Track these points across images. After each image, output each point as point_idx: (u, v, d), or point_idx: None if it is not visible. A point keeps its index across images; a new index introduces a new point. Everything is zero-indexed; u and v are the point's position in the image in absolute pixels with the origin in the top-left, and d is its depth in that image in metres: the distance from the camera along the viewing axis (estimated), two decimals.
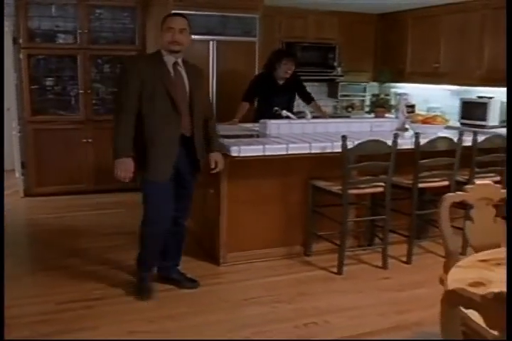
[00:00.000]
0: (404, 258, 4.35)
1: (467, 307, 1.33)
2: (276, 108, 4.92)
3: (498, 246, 2.42)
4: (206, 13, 6.06)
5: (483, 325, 1.30)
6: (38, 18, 5.99)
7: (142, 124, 3.32)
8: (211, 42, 6.13)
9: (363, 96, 7.83)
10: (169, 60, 3.40)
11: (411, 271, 4.18)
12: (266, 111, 5.08)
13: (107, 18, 6.27)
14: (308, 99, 5.71)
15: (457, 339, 1.39)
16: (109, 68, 6.40)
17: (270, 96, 5.37)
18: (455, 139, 4.27)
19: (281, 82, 5.45)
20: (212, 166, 3.62)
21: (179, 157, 3.42)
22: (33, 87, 6.04)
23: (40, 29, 6.03)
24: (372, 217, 4.47)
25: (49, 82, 6.18)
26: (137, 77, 3.28)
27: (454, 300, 1.35)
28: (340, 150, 3.87)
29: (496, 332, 1.26)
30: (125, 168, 3.31)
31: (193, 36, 6.13)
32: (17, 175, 6.33)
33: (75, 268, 4.09)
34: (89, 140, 6.25)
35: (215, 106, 6.17)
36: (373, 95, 7.50)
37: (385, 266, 4.20)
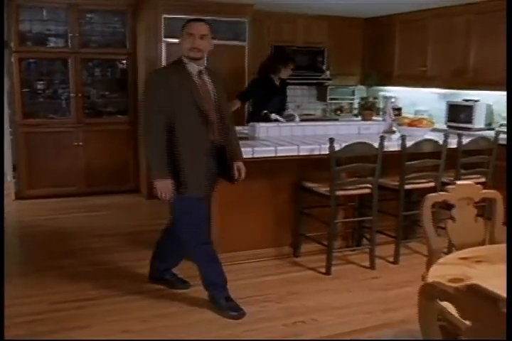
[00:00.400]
0: (391, 259, 4.43)
1: (442, 300, 1.41)
2: (265, 111, 5.02)
3: (479, 244, 2.50)
4: (196, 17, 6.11)
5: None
6: (29, 22, 6.05)
7: (173, 138, 3.22)
8: None
9: (352, 99, 7.92)
10: (193, 68, 3.30)
11: (398, 270, 4.26)
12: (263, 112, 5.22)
13: (98, 22, 6.33)
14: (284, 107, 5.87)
15: (434, 331, 1.47)
16: (100, 72, 6.46)
17: (269, 98, 5.54)
18: (440, 141, 4.36)
19: (277, 83, 5.65)
20: (237, 176, 3.53)
21: (214, 168, 3.38)
22: (24, 90, 6.09)
23: (32, 33, 6.08)
24: (359, 218, 4.55)
25: (40, 85, 6.23)
26: (164, 92, 3.18)
27: (430, 292, 1.43)
28: (327, 152, 3.95)
29: (468, 322, 1.34)
30: (166, 188, 3.23)
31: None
32: (8, 178, 6.36)
33: (67, 269, 4.15)
34: (80, 143, 6.30)
35: None
36: (362, 98, 7.60)
37: (372, 266, 4.28)
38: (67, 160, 6.29)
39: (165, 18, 6.03)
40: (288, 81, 5.90)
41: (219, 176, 3.48)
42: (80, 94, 6.25)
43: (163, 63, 6.09)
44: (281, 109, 5.55)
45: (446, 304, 1.46)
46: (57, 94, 6.31)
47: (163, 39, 6.06)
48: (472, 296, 1.27)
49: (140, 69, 6.29)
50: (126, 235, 5.01)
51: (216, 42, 6.09)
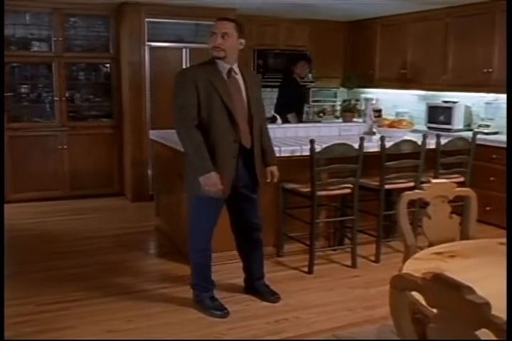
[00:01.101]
0: (373, 258, 4.51)
1: (411, 290, 1.48)
2: None
3: (453, 240, 2.59)
4: (179, 21, 6.21)
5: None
6: (13, 26, 6.07)
7: (204, 136, 3.22)
8: (184, 50, 6.27)
9: (334, 101, 8.02)
10: (223, 67, 3.27)
11: (379, 269, 4.33)
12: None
13: (82, 26, 6.37)
14: None
15: (404, 320, 1.55)
16: (83, 75, 6.51)
17: (295, 96, 6.50)
18: (419, 142, 4.45)
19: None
20: (269, 179, 3.57)
21: (239, 171, 3.34)
22: (8, 94, 6.10)
23: (15, 37, 6.10)
24: (341, 218, 4.63)
25: (24, 89, 6.26)
26: (193, 89, 3.18)
27: (400, 283, 1.50)
28: (308, 153, 4.02)
29: (435, 310, 1.42)
30: (212, 182, 3.18)
31: (165, 44, 6.32)
32: None
33: (53, 271, 4.19)
34: (65, 146, 6.33)
35: None
36: (344, 100, 7.69)
37: (354, 265, 4.35)
38: (51, 163, 6.32)
39: (148, 22, 6.09)
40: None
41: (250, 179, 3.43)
42: (64, 98, 6.29)
43: (147, 67, 6.16)
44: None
45: (418, 297, 1.53)
46: (42, 98, 6.34)
47: (147, 43, 6.13)
48: (438, 285, 1.35)
49: (124, 73, 6.33)
50: (112, 237, 5.05)
51: (199, 45, 6.26)
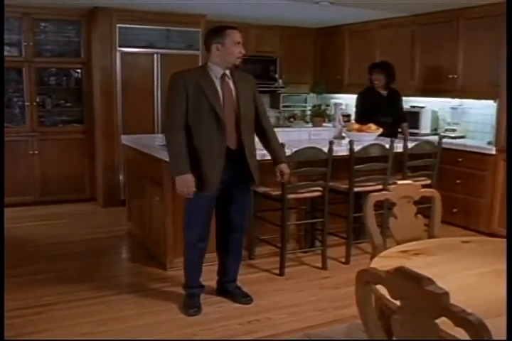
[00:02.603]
0: (343, 259, 4.59)
1: (375, 283, 1.55)
2: None
3: (419, 239, 2.68)
4: (150, 27, 6.24)
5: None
6: None
7: (191, 136, 3.37)
8: (155, 56, 6.31)
9: (305, 106, 8.11)
10: (218, 72, 3.40)
11: (349, 270, 4.39)
12: (370, 118, 5.40)
13: (52, 31, 6.35)
14: (398, 119, 5.92)
15: (369, 311, 1.62)
16: (54, 80, 6.48)
17: (374, 107, 5.73)
18: (387, 146, 4.55)
19: (384, 93, 5.84)
20: (279, 178, 3.69)
21: (226, 171, 3.43)
22: None
23: None
24: (311, 220, 4.70)
25: None
26: (182, 92, 3.33)
27: (365, 277, 1.57)
28: None
29: (398, 302, 1.49)
30: (186, 184, 3.33)
31: (137, 49, 6.36)
32: None
33: (25, 276, 4.17)
34: (36, 151, 6.30)
35: (160, 118, 6.35)
36: (314, 106, 7.80)
37: (324, 267, 4.43)
38: (22, 169, 6.27)
39: (119, 27, 6.11)
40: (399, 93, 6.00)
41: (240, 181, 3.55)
42: (34, 103, 6.26)
43: (118, 72, 6.17)
44: (396, 120, 5.79)
45: (384, 292, 1.60)
46: (12, 103, 6.30)
47: (118, 48, 6.14)
48: (399, 277, 1.42)
49: (95, 78, 6.34)
50: (83, 242, 5.05)
51: (170, 51, 6.31)
